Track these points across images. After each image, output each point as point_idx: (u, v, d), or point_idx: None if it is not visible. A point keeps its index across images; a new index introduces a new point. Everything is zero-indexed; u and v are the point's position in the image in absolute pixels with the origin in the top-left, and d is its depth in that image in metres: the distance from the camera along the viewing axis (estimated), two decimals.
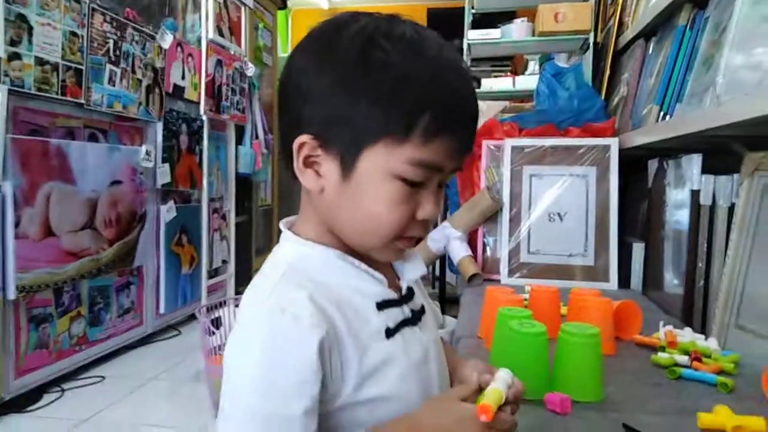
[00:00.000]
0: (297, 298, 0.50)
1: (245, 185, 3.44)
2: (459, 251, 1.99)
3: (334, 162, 0.53)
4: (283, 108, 0.57)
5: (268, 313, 0.50)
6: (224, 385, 0.51)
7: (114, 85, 2.14)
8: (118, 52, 2.15)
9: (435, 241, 2.08)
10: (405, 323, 0.57)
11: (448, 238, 2.03)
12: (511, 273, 1.92)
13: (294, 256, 0.56)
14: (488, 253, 2.05)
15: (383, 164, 0.52)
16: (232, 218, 3.07)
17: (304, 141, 0.53)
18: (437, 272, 2.87)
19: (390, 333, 0.55)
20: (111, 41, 2.10)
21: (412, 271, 0.61)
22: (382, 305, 0.56)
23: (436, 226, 2.12)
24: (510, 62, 4.75)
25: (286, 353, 0.49)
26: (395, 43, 0.51)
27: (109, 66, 2.10)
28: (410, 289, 0.61)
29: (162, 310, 2.59)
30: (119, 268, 2.28)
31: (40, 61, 1.79)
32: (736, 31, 1.16)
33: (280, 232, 0.59)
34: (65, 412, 1.81)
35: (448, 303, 2.54)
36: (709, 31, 1.40)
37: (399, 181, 0.52)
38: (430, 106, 0.50)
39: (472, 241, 2.06)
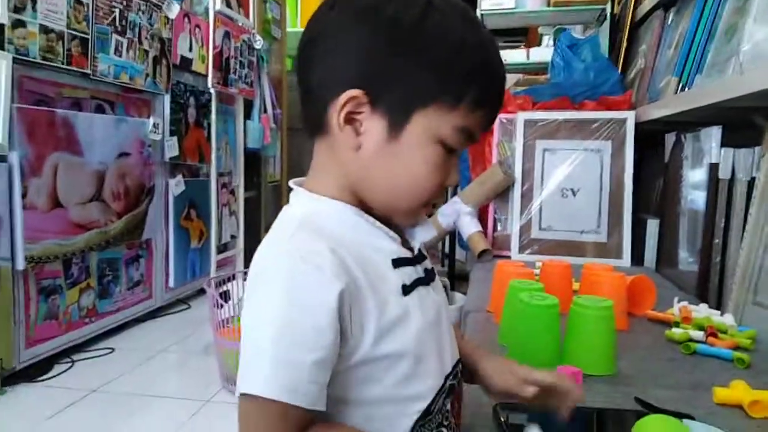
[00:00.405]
0: (318, 248, 0.50)
1: (254, 160, 3.41)
2: (469, 227, 1.96)
3: (381, 120, 0.53)
4: (316, 61, 0.55)
5: (288, 259, 0.50)
6: (243, 332, 0.51)
7: (120, 56, 2.11)
8: (124, 22, 2.11)
9: (445, 216, 2.05)
10: (419, 282, 0.57)
11: (458, 213, 2.01)
12: (521, 249, 1.90)
13: (307, 211, 0.55)
14: (499, 228, 2.02)
15: (433, 127, 0.53)
16: (240, 193, 3.06)
17: (354, 95, 0.52)
18: (447, 249, 2.85)
19: (407, 290, 0.55)
20: (117, 10, 2.06)
21: (423, 233, 0.60)
22: (397, 262, 0.55)
23: (446, 201, 2.09)
24: (524, 36, 4.66)
25: (306, 299, 0.48)
26: (452, 11, 0.53)
27: (115, 36, 2.07)
28: (420, 251, 0.60)
29: (171, 284, 2.59)
30: (128, 240, 2.28)
31: (45, 29, 1.76)
32: None
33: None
34: (75, 382, 1.83)
35: (458, 279, 2.52)
36: None
37: (440, 146, 0.53)
38: (481, 76, 0.53)
39: (482, 216, 2.03)
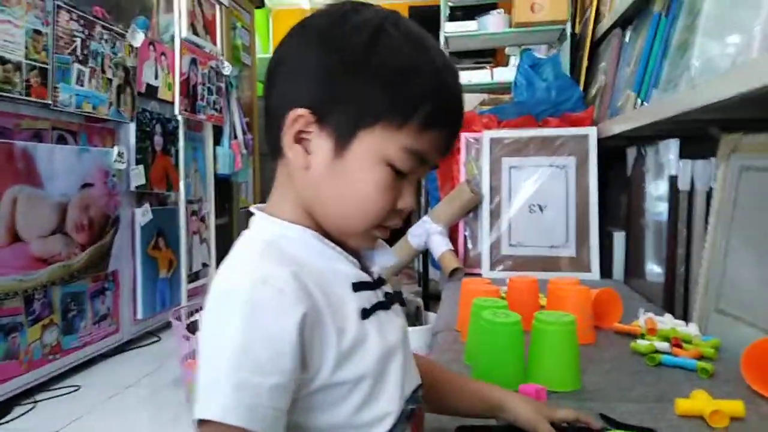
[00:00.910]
0: (280, 274, 0.49)
1: (225, 187, 3.39)
2: (440, 246, 1.96)
3: (328, 139, 0.53)
4: (276, 84, 0.57)
5: (249, 282, 0.49)
6: (200, 356, 0.49)
7: (82, 85, 2.08)
8: (86, 51, 2.09)
9: (416, 236, 2.05)
10: (379, 306, 0.57)
11: (428, 233, 2.00)
12: (492, 266, 1.90)
13: (269, 235, 0.55)
14: (469, 246, 2.02)
15: (378, 148, 0.53)
16: (212, 220, 3.02)
17: (300, 114, 0.53)
18: (420, 268, 2.84)
19: (366, 314, 0.55)
20: (78, 40, 2.04)
21: (383, 259, 0.61)
22: (357, 286, 0.56)
23: (409, 222, 2.09)
24: (492, 57, 4.74)
25: (266, 323, 0.48)
26: (404, 34, 0.54)
27: (76, 65, 2.04)
28: (380, 276, 0.61)
29: (139, 315, 2.53)
30: (93, 273, 2.22)
31: (2, 60, 1.73)
32: (709, 14, 1.14)
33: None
34: (38, 423, 1.76)
35: (432, 299, 2.51)
36: (684, 16, 1.38)
37: (388, 167, 0.53)
38: (431, 97, 0.53)
39: (453, 235, 2.03)
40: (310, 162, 0.54)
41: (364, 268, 0.58)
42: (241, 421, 0.46)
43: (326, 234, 0.56)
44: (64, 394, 1.97)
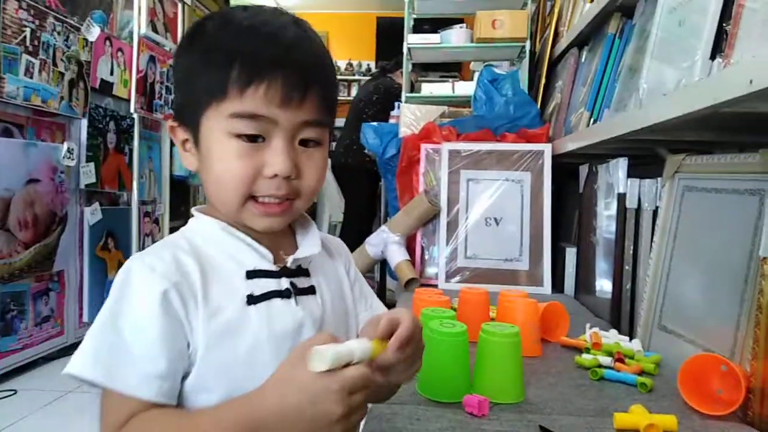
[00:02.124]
0: (161, 255, 0.56)
1: (182, 188, 3.31)
2: (396, 255, 1.96)
3: (189, 136, 0.60)
4: None
5: (132, 264, 0.55)
6: None
7: (32, 77, 2.00)
8: (36, 42, 2.01)
9: (373, 245, 2.04)
10: (277, 294, 0.58)
11: (385, 242, 2.00)
12: (448, 277, 1.91)
13: (186, 229, 0.62)
14: (426, 257, 2.03)
15: (216, 125, 0.56)
16: (166, 222, 2.94)
17: (170, 125, 0.62)
18: (377, 278, 2.84)
19: (252, 300, 0.57)
20: (28, 30, 1.97)
21: (303, 249, 0.63)
22: (252, 274, 0.58)
23: (369, 231, 2.09)
24: (458, 72, 4.81)
25: (132, 295, 0.53)
26: (215, 21, 0.59)
27: (25, 56, 1.96)
28: (301, 268, 0.62)
29: (86, 318, 2.43)
30: (36, 272, 2.12)
31: None
32: (657, 37, 1.18)
33: None
34: None
35: (389, 309, 2.50)
36: (635, 38, 1.43)
37: (236, 138, 0.56)
38: (236, 58, 0.55)
39: (410, 245, 2.04)
40: (193, 162, 0.61)
41: (281, 258, 0.61)
42: (98, 377, 0.51)
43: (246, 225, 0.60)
44: (0, 398, 1.87)
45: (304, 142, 0.59)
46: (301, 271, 0.62)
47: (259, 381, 0.52)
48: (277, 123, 0.56)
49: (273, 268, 0.60)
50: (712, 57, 0.91)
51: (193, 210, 0.63)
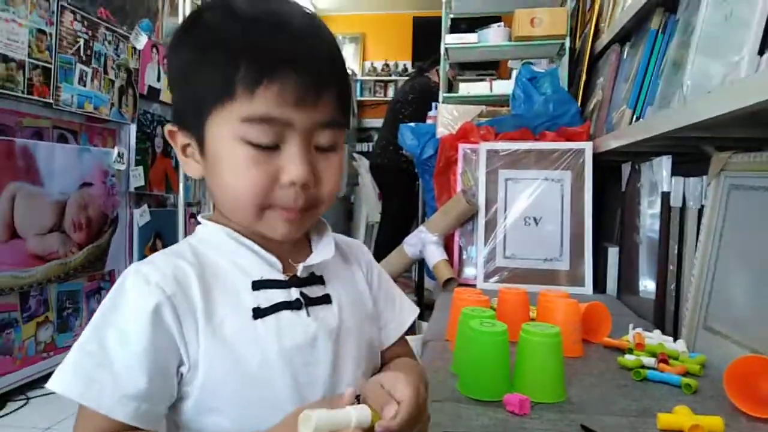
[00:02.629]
0: (159, 265, 0.53)
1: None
2: (434, 255, 1.97)
3: (192, 141, 0.55)
4: None
5: (128, 273, 0.52)
6: None
7: (85, 85, 2.10)
8: (89, 52, 2.11)
9: (411, 245, 2.06)
10: (286, 306, 0.54)
11: (423, 242, 2.01)
12: (486, 277, 1.91)
13: (191, 237, 0.59)
14: (464, 257, 2.03)
15: (225, 129, 0.51)
16: None
17: (170, 129, 0.57)
18: (416, 278, 2.85)
19: (259, 314, 0.53)
20: (82, 40, 2.07)
21: (315, 255, 0.59)
22: (258, 285, 0.54)
23: (407, 231, 2.10)
24: (495, 70, 4.77)
25: (123, 304, 0.50)
26: (215, 11, 0.54)
27: (79, 65, 2.06)
28: (315, 276, 0.58)
29: None
30: (89, 272, 2.23)
31: (5, 58, 1.75)
32: (702, 32, 1.15)
33: None
34: (30, 420, 1.76)
35: (428, 309, 2.51)
36: (679, 33, 1.40)
37: (246, 144, 0.51)
38: (242, 54, 0.50)
39: (448, 245, 2.04)
40: (199, 169, 0.56)
41: (290, 266, 0.57)
42: (73, 391, 0.48)
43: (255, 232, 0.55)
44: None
45: (320, 147, 0.54)
46: (315, 279, 0.58)
47: (273, 402, 0.51)
48: (293, 125, 0.51)
49: (281, 277, 0.55)
50: (761, 52, 0.89)
51: (199, 217, 0.60)
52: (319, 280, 0.58)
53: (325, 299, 0.58)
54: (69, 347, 1.80)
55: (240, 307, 0.53)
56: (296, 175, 0.51)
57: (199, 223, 0.59)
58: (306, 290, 0.56)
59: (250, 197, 0.52)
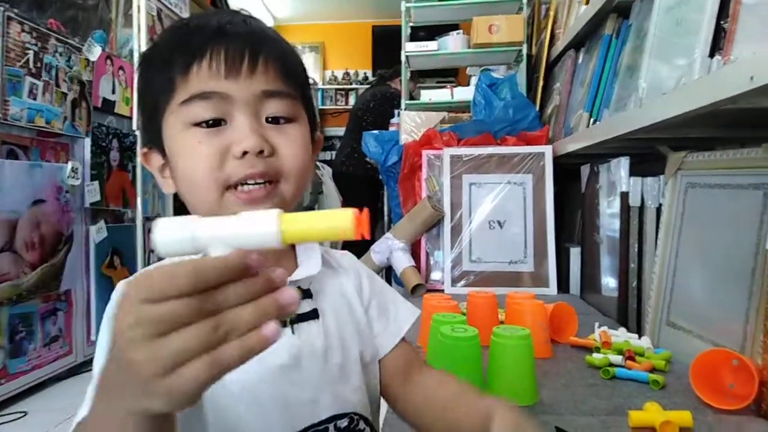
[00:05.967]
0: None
1: (185, 204, 3.32)
2: (402, 262, 1.97)
3: (159, 156, 0.57)
4: None
5: (117, 288, 0.50)
6: None
7: (35, 99, 2.02)
8: (39, 64, 2.03)
9: (378, 252, 2.05)
10: None
11: (390, 249, 2.01)
12: (454, 282, 1.92)
13: None
14: (431, 262, 2.04)
15: (173, 122, 0.53)
16: None
17: (143, 152, 0.59)
18: None
19: None
20: (31, 52, 1.99)
21: (302, 269, 0.57)
22: None
23: (373, 239, 2.09)
24: (455, 77, 4.83)
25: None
26: (162, 35, 0.58)
27: (29, 78, 1.98)
28: (301, 290, 0.57)
29: (94, 336, 2.43)
30: (44, 293, 2.13)
31: None
32: (654, 37, 1.19)
33: None
34: None
35: None
36: (632, 38, 1.44)
37: (193, 127, 0.52)
38: (175, 52, 0.52)
39: (415, 251, 2.04)
40: (172, 184, 0.57)
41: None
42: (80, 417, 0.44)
43: None
44: (10, 421, 1.87)
45: (274, 120, 0.53)
46: (301, 294, 0.56)
47: (261, 423, 0.49)
48: (232, 98, 0.51)
49: None
50: (711, 55, 0.92)
51: None
52: (306, 293, 0.57)
53: (313, 314, 0.56)
54: (22, 373, 1.71)
55: None
56: (246, 144, 0.51)
57: None
58: None
59: (206, 174, 0.51)
